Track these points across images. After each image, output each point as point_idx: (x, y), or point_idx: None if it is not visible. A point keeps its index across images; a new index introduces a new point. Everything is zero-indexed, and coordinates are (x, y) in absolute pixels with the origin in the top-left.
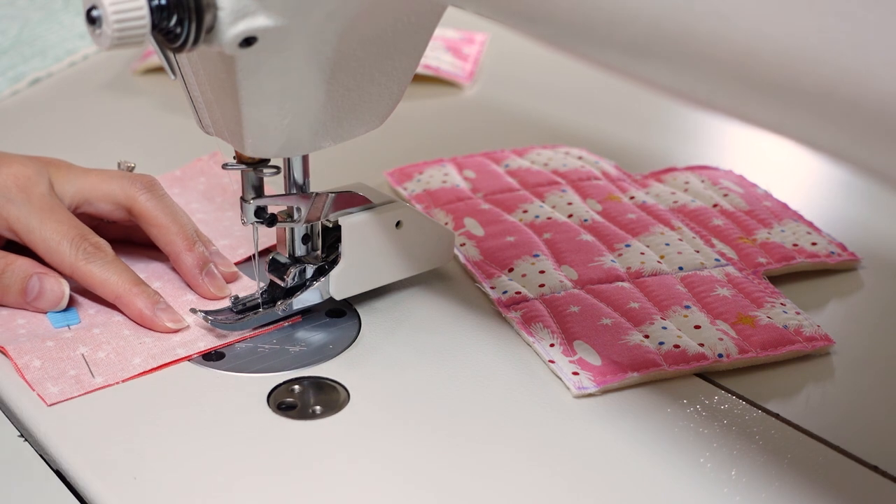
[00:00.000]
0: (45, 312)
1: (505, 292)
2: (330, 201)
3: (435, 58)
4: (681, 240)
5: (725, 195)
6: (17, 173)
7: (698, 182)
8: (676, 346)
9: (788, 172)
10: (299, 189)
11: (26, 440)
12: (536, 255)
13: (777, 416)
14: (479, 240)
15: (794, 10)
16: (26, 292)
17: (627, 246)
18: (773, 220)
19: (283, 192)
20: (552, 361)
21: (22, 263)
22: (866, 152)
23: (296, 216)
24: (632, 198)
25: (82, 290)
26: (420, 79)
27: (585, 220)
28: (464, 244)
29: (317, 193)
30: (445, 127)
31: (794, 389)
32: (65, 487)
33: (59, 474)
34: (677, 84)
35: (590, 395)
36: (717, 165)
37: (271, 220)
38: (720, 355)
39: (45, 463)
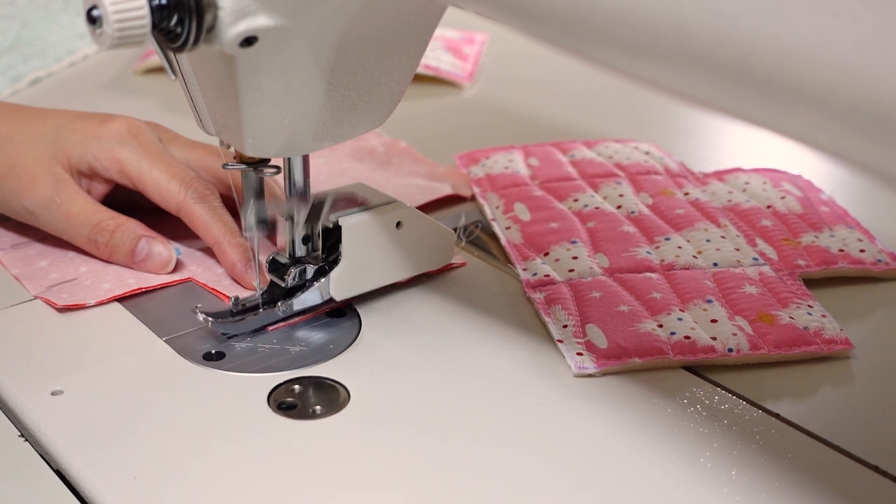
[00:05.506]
0: (152, 273)
1: (535, 274)
2: (329, 204)
3: (435, 58)
4: (723, 237)
5: (783, 198)
6: (129, 123)
7: (759, 183)
8: (687, 337)
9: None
10: (299, 192)
11: (26, 440)
12: (574, 242)
13: (777, 416)
14: (523, 224)
15: (795, 10)
16: (135, 253)
17: (667, 239)
18: (824, 225)
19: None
20: (560, 341)
21: (132, 225)
22: (866, 152)
23: (295, 219)
24: (686, 194)
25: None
26: (420, 79)
27: (632, 212)
28: (509, 227)
29: (315, 196)
30: (445, 127)
31: (801, 390)
32: (65, 487)
33: (60, 474)
34: (677, 84)
35: (590, 375)
36: (785, 169)
37: (272, 228)
38: (730, 350)
39: (45, 463)
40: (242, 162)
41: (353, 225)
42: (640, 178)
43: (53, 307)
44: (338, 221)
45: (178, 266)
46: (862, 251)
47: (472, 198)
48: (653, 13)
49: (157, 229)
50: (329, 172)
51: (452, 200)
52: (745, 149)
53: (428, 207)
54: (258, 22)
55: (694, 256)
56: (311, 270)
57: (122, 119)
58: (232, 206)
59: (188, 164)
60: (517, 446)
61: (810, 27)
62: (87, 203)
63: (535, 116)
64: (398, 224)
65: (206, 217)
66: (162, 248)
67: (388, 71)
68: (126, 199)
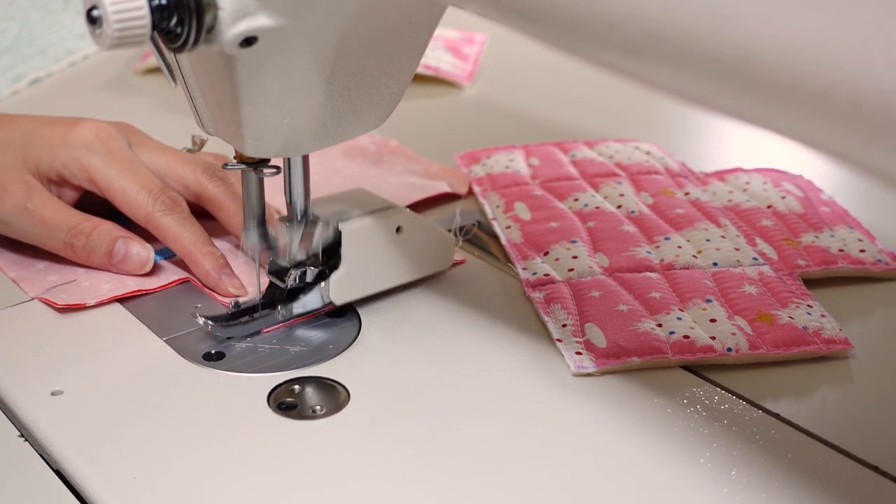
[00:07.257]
0: (130, 274)
1: (534, 273)
2: (321, 229)
3: (435, 58)
4: (723, 237)
5: (783, 197)
6: (98, 128)
7: (759, 183)
8: (686, 337)
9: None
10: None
11: (26, 440)
12: (574, 242)
13: (777, 416)
14: (524, 223)
15: (794, 10)
16: (112, 255)
17: (667, 239)
18: (824, 225)
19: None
20: (559, 340)
21: (108, 227)
22: (866, 152)
23: (292, 248)
24: (686, 194)
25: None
26: (420, 79)
27: (633, 212)
28: (509, 226)
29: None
30: (445, 127)
31: (801, 390)
32: (65, 487)
33: (59, 474)
34: (677, 84)
35: (588, 374)
36: (785, 169)
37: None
38: (729, 349)
39: (45, 463)
40: (242, 162)
41: (353, 230)
42: (640, 178)
43: (53, 307)
44: (338, 226)
45: (176, 266)
46: (862, 251)
47: (468, 195)
48: (653, 13)
49: (136, 231)
50: (321, 172)
51: (448, 198)
52: (746, 149)
53: (424, 206)
54: (258, 22)
55: (694, 256)
56: (311, 273)
57: (90, 124)
58: (200, 215)
59: (157, 170)
60: (516, 445)
61: (810, 27)
62: (60, 208)
63: (535, 116)
64: (398, 229)
65: (175, 228)
66: (140, 248)
67: (388, 71)
68: (100, 204)
